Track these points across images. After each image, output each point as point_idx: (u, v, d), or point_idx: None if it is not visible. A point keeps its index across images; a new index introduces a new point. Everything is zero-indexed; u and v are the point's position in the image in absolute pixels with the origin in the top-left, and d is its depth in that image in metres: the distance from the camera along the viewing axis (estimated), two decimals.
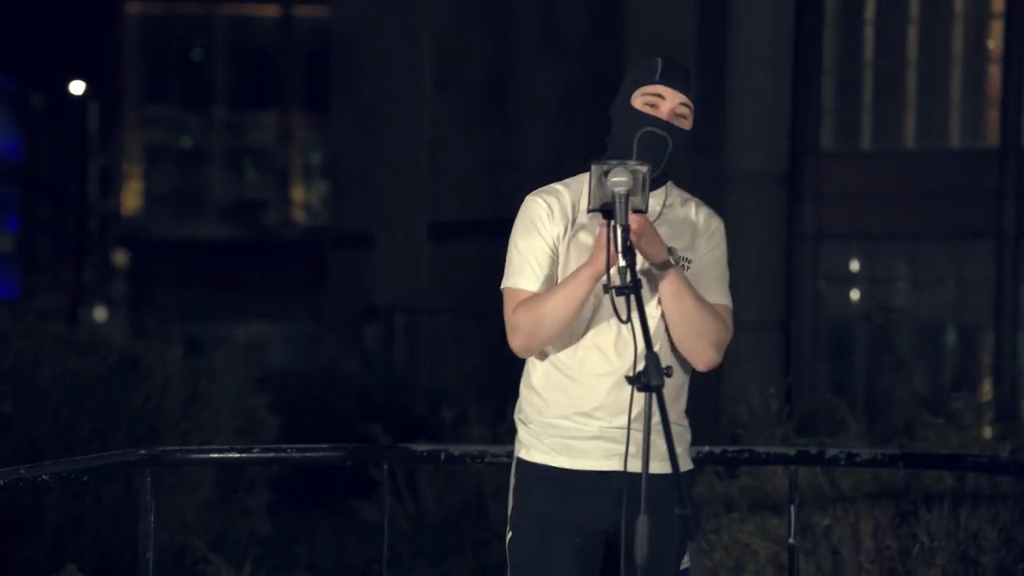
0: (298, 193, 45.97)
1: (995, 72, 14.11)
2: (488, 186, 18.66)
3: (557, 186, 3.30)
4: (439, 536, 7.68)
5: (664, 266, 3.19)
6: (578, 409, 3.25)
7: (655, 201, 3.26)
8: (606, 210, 3.19)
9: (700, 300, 3.27)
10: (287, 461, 5.02)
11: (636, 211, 3.20)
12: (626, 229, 3.15)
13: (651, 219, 3.23)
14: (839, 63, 14.84)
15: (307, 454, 3.99)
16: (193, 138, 45.70)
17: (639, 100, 3.24)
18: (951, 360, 13.72)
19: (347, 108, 23.61)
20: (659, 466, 3.17)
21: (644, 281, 3.16)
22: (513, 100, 18.88)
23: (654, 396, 3.07)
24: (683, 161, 3.29)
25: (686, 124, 3.25)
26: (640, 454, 3.10)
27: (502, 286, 3.26)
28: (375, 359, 13.23)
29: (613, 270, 3.15)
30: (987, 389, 13.10)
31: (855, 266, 14.70)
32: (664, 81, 3.24)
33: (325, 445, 3.98)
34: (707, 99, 15.55)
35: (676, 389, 3.31)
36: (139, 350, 6.36)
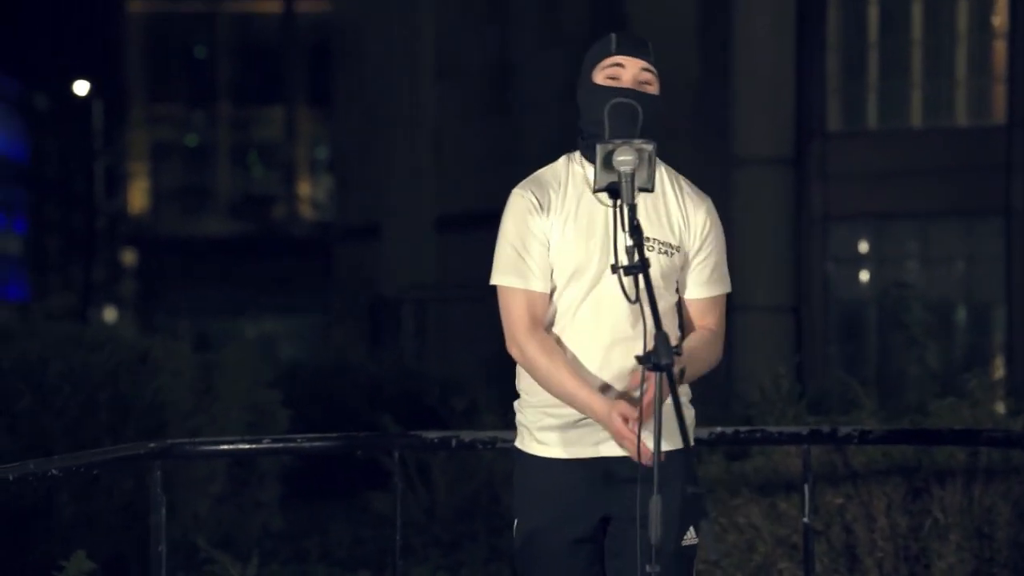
0: (304, 188, 45.98)
1: (1000, 48, 14.05)
2: (492, 177, 18.66)
3: (538, 175, 3.27)
4: (452, 525, 7.67)
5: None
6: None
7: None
8: (612, 189, 3.17)
9: (699, 360, 3.20)
10: (297, 451, 5.01)
11: (642, 189, 3.18)
12: (633, 208, 3.13)
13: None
14: (843, 43, 14.79)
15: (316, 444, 3.98)
16: (199, 135, 45.72)
17: (600, 76, 3.22)
18: (963, 338, 13.69)
19: (351, 101, 23.59)
20: (669, 443, 3.16)
21: (651, 259, 3.13)
22: (516, 91, 18.86)
23: (664, 376, 3.06)
24: (675, 138, 3.26)
25: (652, 89, 3.23)
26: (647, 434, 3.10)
27: (494, 282, 3.23)
28: (384, 350, 13.26)
29: (621, 250, 3.13)
30: (999, 365, 13.06)
31: (864, 247, 14.66)
32: (620, 51, 3.23)
33: (335, 434, 3.97)
34: (711, 83, 15.49)
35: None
36: (148, 345, 6.35)
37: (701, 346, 3.27)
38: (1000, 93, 13.96)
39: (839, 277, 14.38)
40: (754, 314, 13.34)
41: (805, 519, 4.41)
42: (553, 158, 3.39)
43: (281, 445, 4.03)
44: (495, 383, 8.82)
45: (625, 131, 3.18)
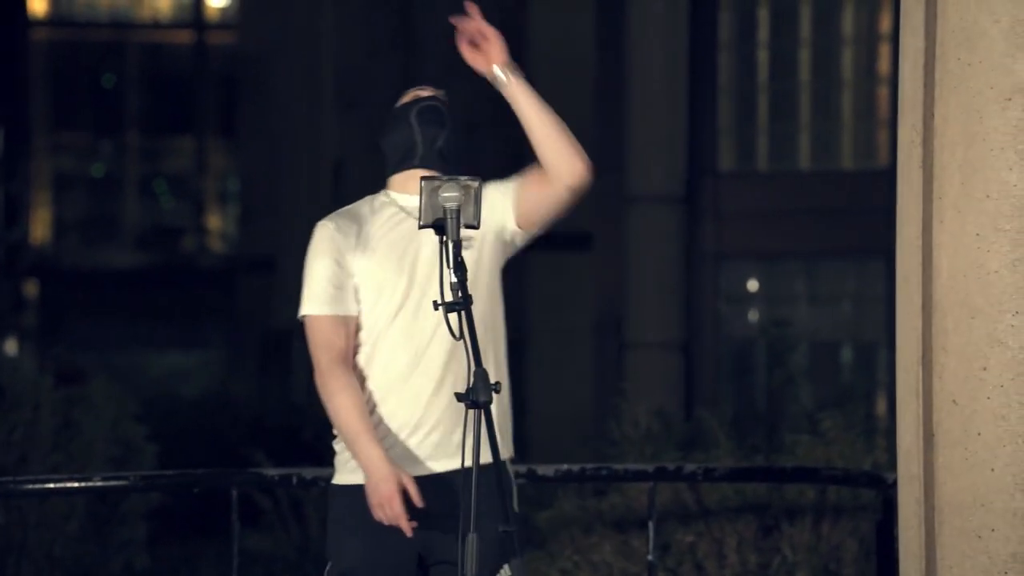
0: (214, 220, 45.49)
1: (884, 94, 14.39)
2: None
3: (345, 209, 3.35)
4: (325, 562, 7.60)
5: (505, 72, 3.17)
6: (382, 428, 3.23)
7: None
8: (438, 225, 3.21)
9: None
10: (126, 489, 4.95)
11: (468, 226, 3.22)
12: (458, 244, 3.17)
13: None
14: (735, 85, 15.05)
15: (152, 481, 3.95)
16: (105, 165, 45.12)
17: (404, 100, 3.41)
18: (847, 377, 13.93)
19: (256, 133, 23.50)
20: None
21: (466, 258, 3.17)
22: None
23: (482, 413, 3.10)
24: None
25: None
26: (429, 457, 3.13)
27: (300, 314, 3.26)
28: (272, 385, 13.15)
29: (445, 286, 3.17)
30: (882, 405, 13.31)
31: (753, 285, 14.88)
32: (421, 87, 3.41)
33: (171, 472, 3.95)
34: (607, 121, 15.63)
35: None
36: (6, 379, 6.24)
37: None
38: (884, 137, 14.29)
39: (729, 315, 14.58)
40: (645, 351, 13.46)
41: (650, 556, 4.47)
42: None
43: (113, 483, 3.99)
44: None
45: (432, 128, 3.23)
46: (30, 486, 3.82)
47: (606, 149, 14.46)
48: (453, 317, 3.13)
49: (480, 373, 3.09)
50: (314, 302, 3.23)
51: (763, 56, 14.95)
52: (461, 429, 3.09)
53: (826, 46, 14.68)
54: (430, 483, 3.23)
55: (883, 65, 14.43)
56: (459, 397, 3.10)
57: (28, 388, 6.25)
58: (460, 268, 3.12)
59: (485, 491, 3.10)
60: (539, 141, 3.23)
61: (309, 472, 4.09)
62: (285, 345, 18.41)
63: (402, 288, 3.20)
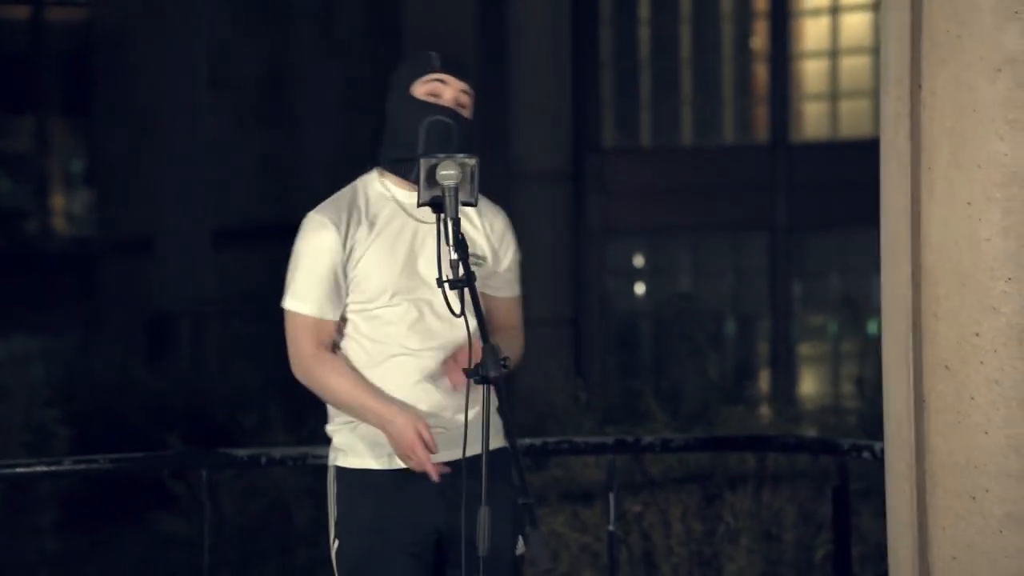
0: (59, 202, 44.14)
1: (762, 70, 14.69)
2: (270, 188, 18.38)
3: (335, 197, 3.25)
4: (241, 544, 7.52)
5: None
6: None
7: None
8: (435, 203, 3.17)
9: (515, 358, 3.28)
10: (96, 472, 4.82)
11: (465, 203, 3.19)
12: (456, 222, 3.14)
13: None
14: (616, 61, 15.20)
15: (121, 464, 3.85)
16: None
17: (421, 89, 3.21)
18: (732, 348, 14.23)
19: (113, 111, 22.91)
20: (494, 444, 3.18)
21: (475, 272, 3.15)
22: (293, 101, 18.66)
23: (491, 388, 3.08)
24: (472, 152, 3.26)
25: (467, 113, 3.25)
26: (443, 445, 3.12)
27: (283, 304, 3.20)
28: (166, 367, 12.89)
29: (445, 263, 3.13)
30: (764, 375, 13.63)
31: (639, 260, 15.08)
32: (445, 69, 3.23)
33: (140, 454, 3.84)
34: (489, 96, 15.68)
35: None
36: None
37: (514, 345, 3.34)
38: (763, 114, 14.59)
39: (616, 290, 14.75)
40: (534, 327, 13.55)
41: (611, 527, 4.50)
42: (331, 169, 3.37)
43: (83, 467, 3.88)
44: (281, 399, 8.69)
45: (438, 148, 3.18)
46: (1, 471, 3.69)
47: (490, 124, 14.48)
48: (453, 295, 3.11)
49: (489, 348, 3.07)
50: (301, 300, 3.17)
51: (644, 32, 15.13)
52: (477, 409, 3.09)
53: (705, 23, 14.91)
54: (448, 466, 3.21)
55: (760, 41, 14.72)
56: (468, 373, 3.08)
57: None
58: (460, 246, 3.09)
59: (498, 465, 3.10)
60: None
61: (277, 452, 4.03)
62: (171, 328, 18.03)
63: (403, 285, 3.17)
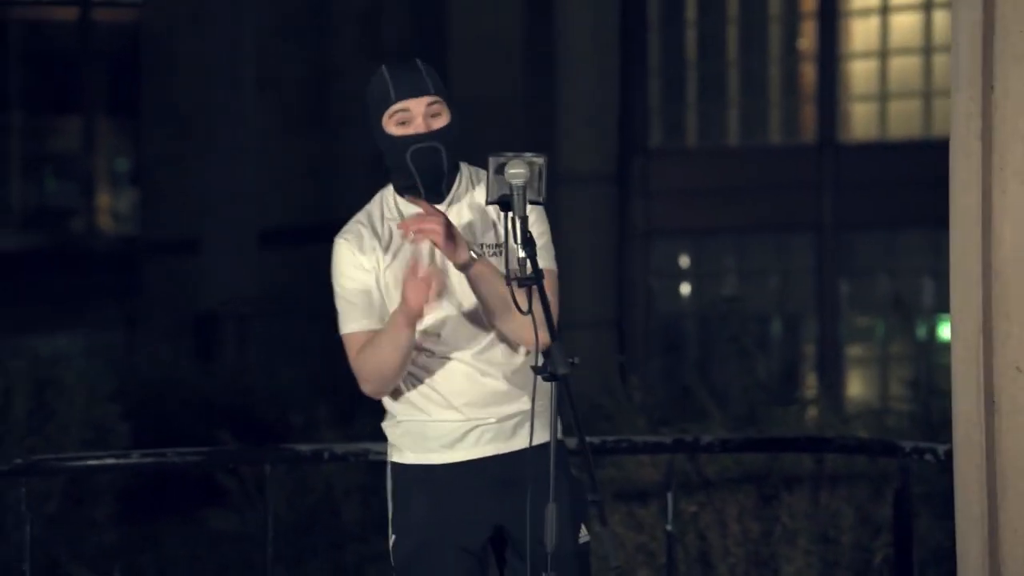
0: (104, 200, 44.50)
1: (810, 70, 14.64)
2: (315, 189, 18.46)
3: (356, 219, 3.29)
4: (293, 540, 7.57)
5: (465, 267, 3.17)
6: (442, 404, 3.23)
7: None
8: (503, 202, 3.19)
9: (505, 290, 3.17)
10: (167, 465, 4.88)
11: (533, 203, 3.21)
12: (524, 220, 3.16)
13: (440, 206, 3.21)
14: (663, 63, 15.18)
15: (188, 458, 3.89)
16: None
17: (390, 124, 3.23)
18: (777, 349, 14.19)
19: (161, 112, 23.07)
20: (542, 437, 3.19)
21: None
22: (338, 103, 18.74)
23: (561, 385, 3.10)
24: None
25: (444, 119, 3.23)
26: (495, 438, 3.14)
27: (340, 333, 3.25)
28: (210, 367, 12.98)
29: (512, 261, 3.15)
30: (812, 376, 13.58)
31: (684, 261, 15.06)
32: (400, 96, 3.22)
33: (206, 448, 3.88)
34: (537, 100, 15.66)
35: (520, 369, 3.27)
36: None
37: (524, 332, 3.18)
38: (810, 113, 14.54)
39: (660, 291, 14.73)
40: (578, 329, 13.56)
41: (668, 527, 4.50)
42: (374, 170, 3.39)
43: (152, 460, 3.92)
44: (327, 397, 8.74)
45: (432, 171, 3.21)
46: (69, 463, 3.74)
47: (536, 127, 14.50)
48: (521, 292, 3.12)
49: (558, 346, 3.09)
50: (346, 322, 3.24)
51: (691, 35, 15.10)
52: (527, 404, 3.11)
53: (752, 24, 14.87)
54: (500, 461, 3.23)
55: (807, 41, 14.68)
56: (535, 370, 3.10)
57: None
58: (529, 243, 3.11)
59: (560, 462, 3.10)
60: (495, 314, 3.21)
61: (340, 447, 4.07)
62: (216, 327, 18.13)
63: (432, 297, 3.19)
